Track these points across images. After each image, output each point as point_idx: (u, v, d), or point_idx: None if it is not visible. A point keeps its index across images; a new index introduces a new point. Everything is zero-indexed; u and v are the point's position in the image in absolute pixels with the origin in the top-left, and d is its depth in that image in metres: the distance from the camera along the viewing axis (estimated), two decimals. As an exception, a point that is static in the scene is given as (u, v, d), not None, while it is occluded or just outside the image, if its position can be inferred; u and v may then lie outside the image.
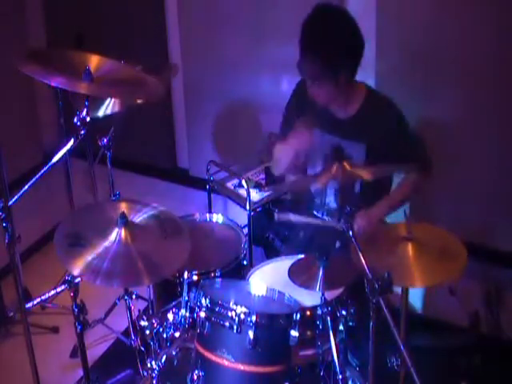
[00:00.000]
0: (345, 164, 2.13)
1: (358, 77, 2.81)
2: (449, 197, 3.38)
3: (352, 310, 2.37)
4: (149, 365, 2.46)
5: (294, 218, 2.91)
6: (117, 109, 3.03)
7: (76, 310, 2.43)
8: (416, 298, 3.46)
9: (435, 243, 2.33)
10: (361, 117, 2.79)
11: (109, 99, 2.97)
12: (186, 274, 2.48)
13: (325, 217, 2.95)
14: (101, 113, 3.02)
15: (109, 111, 3.04)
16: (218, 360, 2.20)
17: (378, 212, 2.80)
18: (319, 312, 2.34)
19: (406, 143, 2.81)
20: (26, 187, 2.30)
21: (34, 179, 2.30)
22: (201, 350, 2.25)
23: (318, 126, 2.86)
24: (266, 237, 3.15)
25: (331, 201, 2.91)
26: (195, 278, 2.60)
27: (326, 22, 2.65)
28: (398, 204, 2.85)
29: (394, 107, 2.79)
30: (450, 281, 2.68)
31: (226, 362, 2.20)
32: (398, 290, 2.34)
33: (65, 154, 2.32)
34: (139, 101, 2.86)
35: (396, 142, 2.77)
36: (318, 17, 2.64)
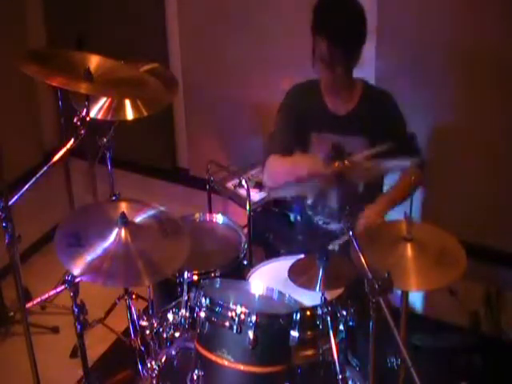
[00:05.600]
0: (346, 162, 2.12)
1: (359, 75, 2.82)
2: (449, 197, 3.38)
3: (352, 310, 2.37)
4: (149, 365, 2.46)
5: (285, 192, 2.86)
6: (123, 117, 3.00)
7: (76, 310, 2.43)
8: (416, 298, 3.46)
9: (435, 245, 2.33)
10: (360, 110, 2.80)
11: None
12: (185, 274, 2.48)
13: (325, 223, 2.95)
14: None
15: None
16: (218, 360, 2.20)
17: (379, 208, 2.78)
18: (319, 312, 2.34)
19: (403, 135, 2.81)
20: (26, 187, 2.30)
21: (33, 179, 2.30)
22: (201, 349, 2.25)
23: (317, 126, 2.86)
24: (266, 237, 3.14)
25: (333, 202, 2.90)
26: (195, 277, 2.60)
27: (340, 4, 2.68)
28: (398, 201, 2.84)
29: (391, 99, 2.81)
30: (447, 286, 2.67)
31: (225, 362, 2.19)
32: (397, 290, 2.35)
33: (65, 153, 2.32)
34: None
35: (394, 133, 2.77)
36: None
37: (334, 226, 2.92)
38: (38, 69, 2.33)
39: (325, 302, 2.33)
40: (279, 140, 2.99)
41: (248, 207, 3.18)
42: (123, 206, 2.45)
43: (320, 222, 2.96)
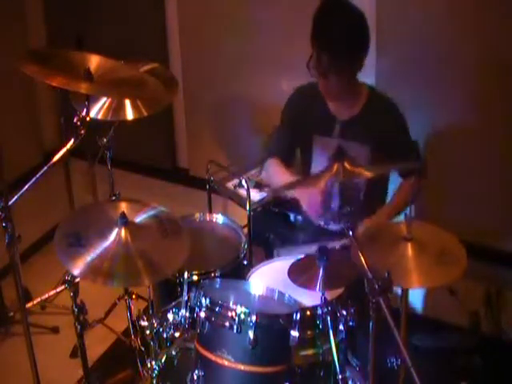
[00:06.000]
0: (346, 164, 2.12)
1: (358, 77, 2.81)
2: (449, 197, 3.38)
3: (352, 310, 2.37)
4: (149, 365, 2.46)
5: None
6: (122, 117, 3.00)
7: (76, 310, 2.43)
8: (416, 298, 3.46)
9: (435, 245, 2.33)
10: (364, 117, 2.80)
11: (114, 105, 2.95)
12: (186, 274, 2.48)
13: (326, 223, 2.95)
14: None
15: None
16: (218, 360, 2.20)
17: (381, 219, 2.80)
18: (319, 312, 2.34)
19: (406, 143, 2.82)
20: (26, 187, 2.30)
21: (34, 179, 2.30)
22: (201, 349, 2.25)
23: (320, 129, 2.86)
24: (266, 237, 3.14)
25: (334, 205, 2.91)
26: (195, 278, 2.60)
27: (339, 13, 2.67)
28: (400, 209, 2.85)
29: (395, 107, 2.80)
30: (447, 284, 2.68)
31: (225, 362, 2.19)
32: (397, 290, 2.35)
33: (65, 153, 2.32)
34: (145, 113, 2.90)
35: (397, 141, 2.78)
36: (330, 9, 2.66)
37: (334, 227, 2.92)
38: (38, 69, 2.33)
39: (325, 302, 2.33)
40: (280, 142, 3.00)
41: (248, 207, 3.18)
42: (123, 206, 2.45)
43: (321, 223, 2.96)
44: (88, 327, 2.53)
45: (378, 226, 2.57)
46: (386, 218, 2.81)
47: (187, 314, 2.42)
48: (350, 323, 2.37)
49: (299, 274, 2.38)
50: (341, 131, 2.82)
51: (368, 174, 2.06)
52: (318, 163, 2.89)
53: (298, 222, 3.12)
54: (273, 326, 2.24)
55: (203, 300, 2.27)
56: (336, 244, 2.75)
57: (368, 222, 2.73)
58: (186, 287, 2.43)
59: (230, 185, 3.51)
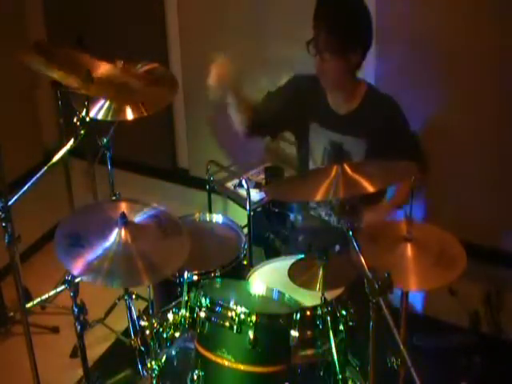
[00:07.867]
0: (345, 165, 2.11)
1: (358, 75, 2.82)
2: (449, 196, 3.38)
3: (352, 310, 2.37)
4: (149, 365, 2.46)
5: None
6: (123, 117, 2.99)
7: (76, 310, 2.43)
8: (416, 298, 3.46)
9: (435, 245, 2.32)
10: (361, 112, 2.81)
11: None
12: (185, 274, 2.48)
13: (327, 214, 2.95)
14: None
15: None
16: (218, 360, 2.20)
17: (380, 216, 2.80)
18: (319, 312, 2.34)
19: (404, 140, 2.82)
20: (26, 187, 2.30)
21: (33, 179, 2.30)
22: (201, 350, 2.25)
23: (318, 118, 2.86)
24: (266, 237, 3.15)
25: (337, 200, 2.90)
26: (195, 278, 2.60)
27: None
28: (400, 204, 2.85)
29: (393, 102, 2.81)
30: (446, 285, 2.67)
31: (226, 362, 2.20)
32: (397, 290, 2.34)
33: (65, 153, 2.32)
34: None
35: (395, 137, 2.77)
36: None
37: (335, 220, 2.93)
38: (40, 60, 2.33)
39: (325, 302, 2.33)
40: (271, 107, 2.97)
41: (248, 207, 3.18)
42: (123, 206, 2.45)
43: (322, 214, 2.97)
44: (88, 327, 2.53)
45: (378, 226, 2.57)
46: (386, 214, 2.81)
47: (187, 314, 2.42)
48: (350, 323, 2.37)
49: (299, 274, 2.38)
50: (338, 125, 2.83)
51: (370, 188, 2.05)
52: (315, 152, 2.89)
53: (298, 222, 3.13)
54: (273, 325, 2.24)
55: (203, 300, 2.27)
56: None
57: (369, 216, 2.72)
58: (186, 287, 2.43)
59: (230, 185, 3.52)
